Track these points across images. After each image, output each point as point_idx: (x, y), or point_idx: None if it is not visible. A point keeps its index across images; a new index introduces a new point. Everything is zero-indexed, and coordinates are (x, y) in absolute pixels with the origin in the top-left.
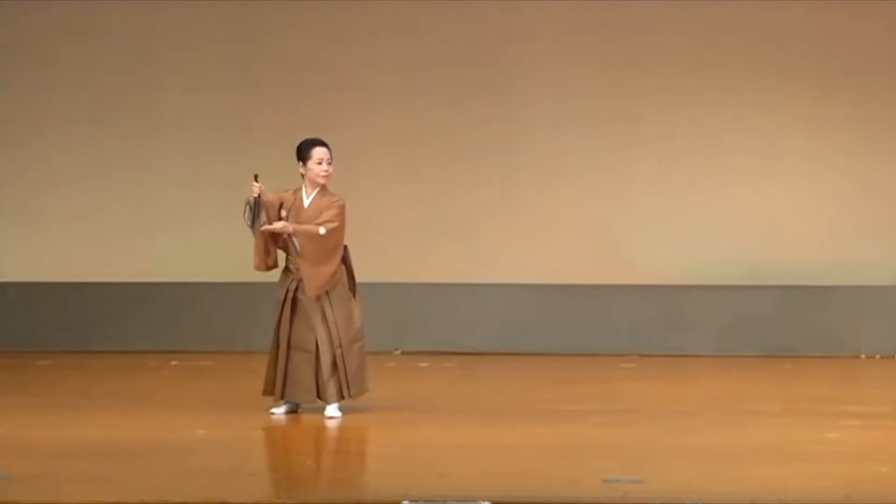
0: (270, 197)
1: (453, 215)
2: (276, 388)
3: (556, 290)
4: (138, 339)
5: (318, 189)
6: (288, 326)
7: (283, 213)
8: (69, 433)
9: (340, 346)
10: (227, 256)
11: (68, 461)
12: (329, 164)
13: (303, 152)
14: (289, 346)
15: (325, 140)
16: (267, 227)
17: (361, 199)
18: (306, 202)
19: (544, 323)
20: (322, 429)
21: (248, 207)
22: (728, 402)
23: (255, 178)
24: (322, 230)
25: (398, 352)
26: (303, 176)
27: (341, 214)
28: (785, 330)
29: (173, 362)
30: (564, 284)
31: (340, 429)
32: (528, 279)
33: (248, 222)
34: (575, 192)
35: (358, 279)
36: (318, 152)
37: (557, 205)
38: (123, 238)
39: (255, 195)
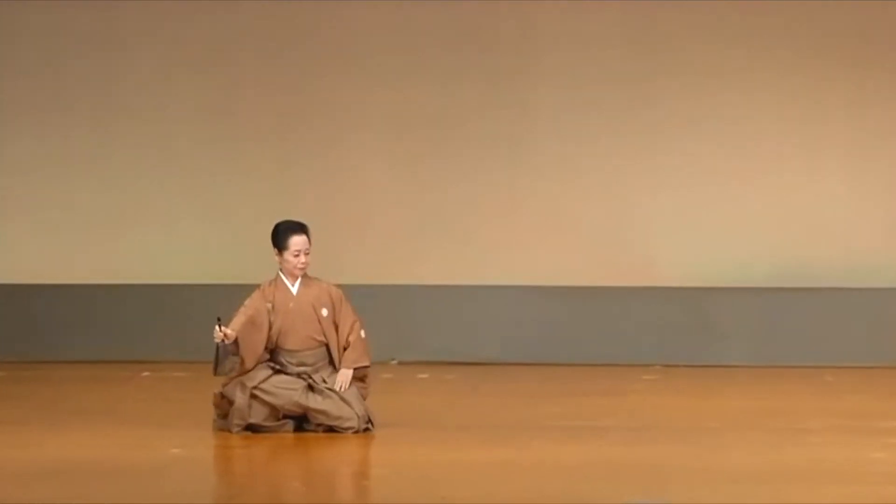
0: (255, 305)
1: (454, 211)
2: (237, 424)
3: (569, 292)
4: (106, 348)
5: (299, 278)
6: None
7: (269, 306)
8: (29, 453)
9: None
10: (205, 256)
11: (28, 485)
12: (307, 254)
13: (279, 241)
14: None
15: (305, 224)
16: (342, 383)
17: (354, 192)
18: (293, 291)
19: (556, 329)
20: (311, 447)
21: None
22: (762, 418)
23: (218, 321)
24: (362, 334)
25: (395, 362)
26: (279, 264)
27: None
28: (825, 337)
29: (145, 373)
30: (578, 287)
31: (331, 447)
32: (538, 281)
33: (215, 367)
34: (589, 185)
35: (351, 281)
36: (296, 242)
37: (570, 199)
38: (90, 235)
39: (217, 341)
